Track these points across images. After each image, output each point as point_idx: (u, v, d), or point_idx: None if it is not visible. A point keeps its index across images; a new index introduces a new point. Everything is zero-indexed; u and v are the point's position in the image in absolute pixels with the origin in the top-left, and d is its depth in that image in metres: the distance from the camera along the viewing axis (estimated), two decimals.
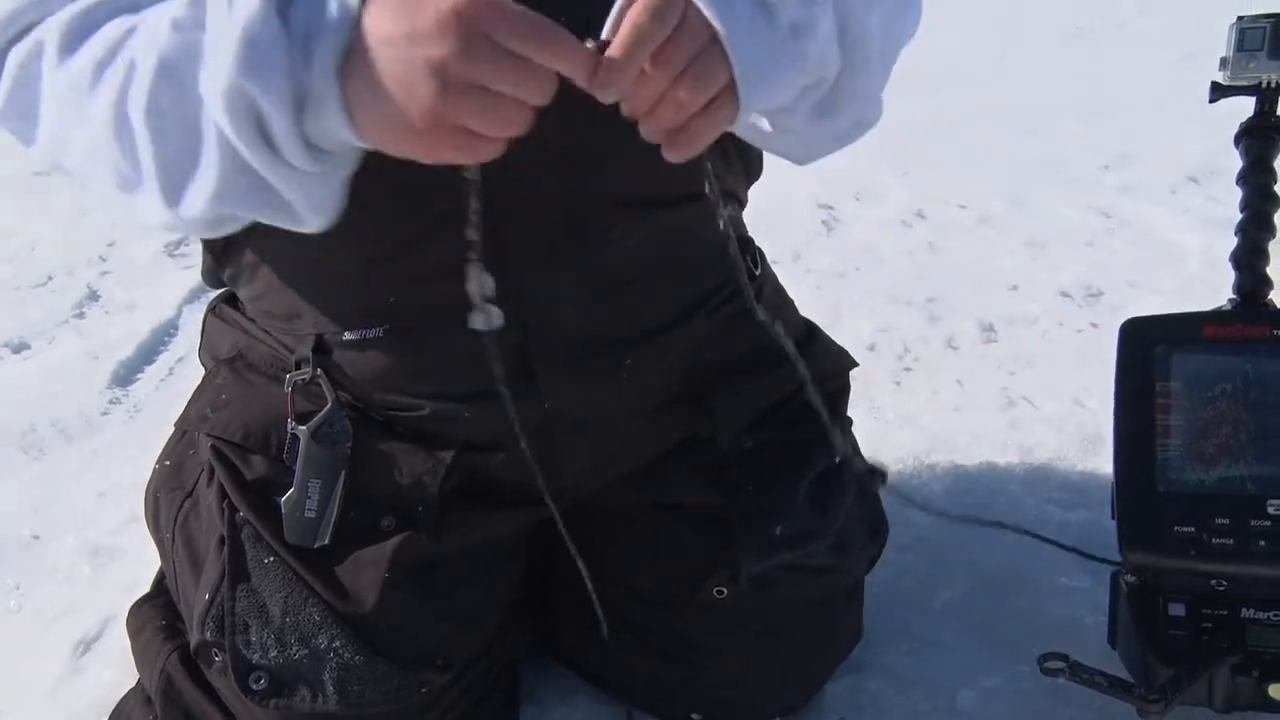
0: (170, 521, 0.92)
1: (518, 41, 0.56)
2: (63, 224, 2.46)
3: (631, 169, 0.84)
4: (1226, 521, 0.89)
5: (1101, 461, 1.31)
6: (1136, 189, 2.39)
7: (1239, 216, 1.03)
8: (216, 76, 0.59)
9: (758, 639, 0.96)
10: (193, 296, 2.05)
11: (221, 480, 0.86)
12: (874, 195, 2.43)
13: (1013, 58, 3.70)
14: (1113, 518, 0.96)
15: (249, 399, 0.89)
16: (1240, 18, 1.00)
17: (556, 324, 0.84)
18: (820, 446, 0.98)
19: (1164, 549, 0.91)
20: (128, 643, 0.98)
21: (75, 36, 0.67)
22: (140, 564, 1.18)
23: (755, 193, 1.01)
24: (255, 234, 0.84)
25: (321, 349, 0.86)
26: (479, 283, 0.68)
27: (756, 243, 1.02)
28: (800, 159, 0.84)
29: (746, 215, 1.03)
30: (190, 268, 2.17)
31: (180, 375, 1.76)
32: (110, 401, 1.68)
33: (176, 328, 1.96)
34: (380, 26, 0.57)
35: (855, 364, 1.06)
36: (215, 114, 0.60)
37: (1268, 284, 1.01)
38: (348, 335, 0.85)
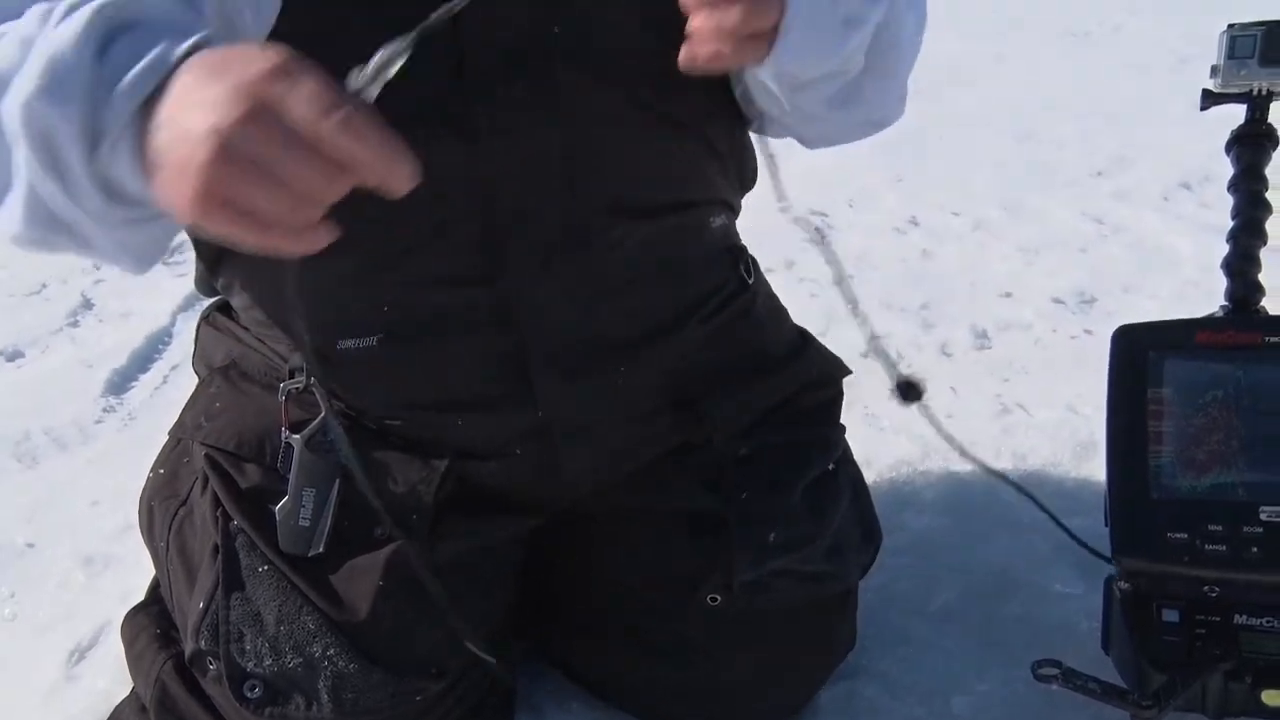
0: (164, 530, 0.92)
1: (309, 129, 0.54)
2: None
3: (628, 175, 0.84)
4: (1219, 528, 0.90)
5: (1095, 468, 1.31)
6: (1130, 195, 2.40)
7: (1231, 223, 1.04)
8: (18, 93, 0.59)
9: (753, 644, 0.96)
10: (186, 305, 2.05)
11: (216, 489, 0.86)
12: (867, 202, 2.44)
13: (1006, 63, 3.71)
14: (1106, 524, 0.96)
15: (243, 408, 0.89)
16: (1231, 26, 1.00)
17: (552, 330, 0.85)
18: (816, 451, 0.98)
19: (1157, 555, 0.91)
20: (122, 651, 0.98)
21: None
22: (134, 572, 1.18)
23: (748, 200, 1.01)
24: None
25: (315, 358, 0.86)
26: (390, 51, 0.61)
27: (749, 250, 1.03)
28: (813, 142, 0.86)
29: (740, 222, 1.03)
30: (184, 275, 2.17)
31: (174, 384, 1.75)
32: (104, 410, 1.68)
33: (170, 336, 1.96)
34: (185, 84, 0.57)
35: (849, 372, 1.06)
36: (13, 133, 0.60)
37: (1259, 291, 1.02)
38: (341, 344, 0.85)
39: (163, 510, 0.93)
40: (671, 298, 0.90)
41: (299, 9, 0.75)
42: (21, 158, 0.61)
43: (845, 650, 1.03)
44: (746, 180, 0.98)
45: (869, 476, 1.13)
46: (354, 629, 0.83)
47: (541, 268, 0.83)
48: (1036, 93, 3.27)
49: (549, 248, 0.82)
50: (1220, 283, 1.03)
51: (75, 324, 2.03)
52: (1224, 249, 1.04)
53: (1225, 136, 1.04)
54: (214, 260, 0.88)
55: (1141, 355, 0.96)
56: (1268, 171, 1.02)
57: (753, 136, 0.96)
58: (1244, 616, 0.90)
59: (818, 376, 1.02)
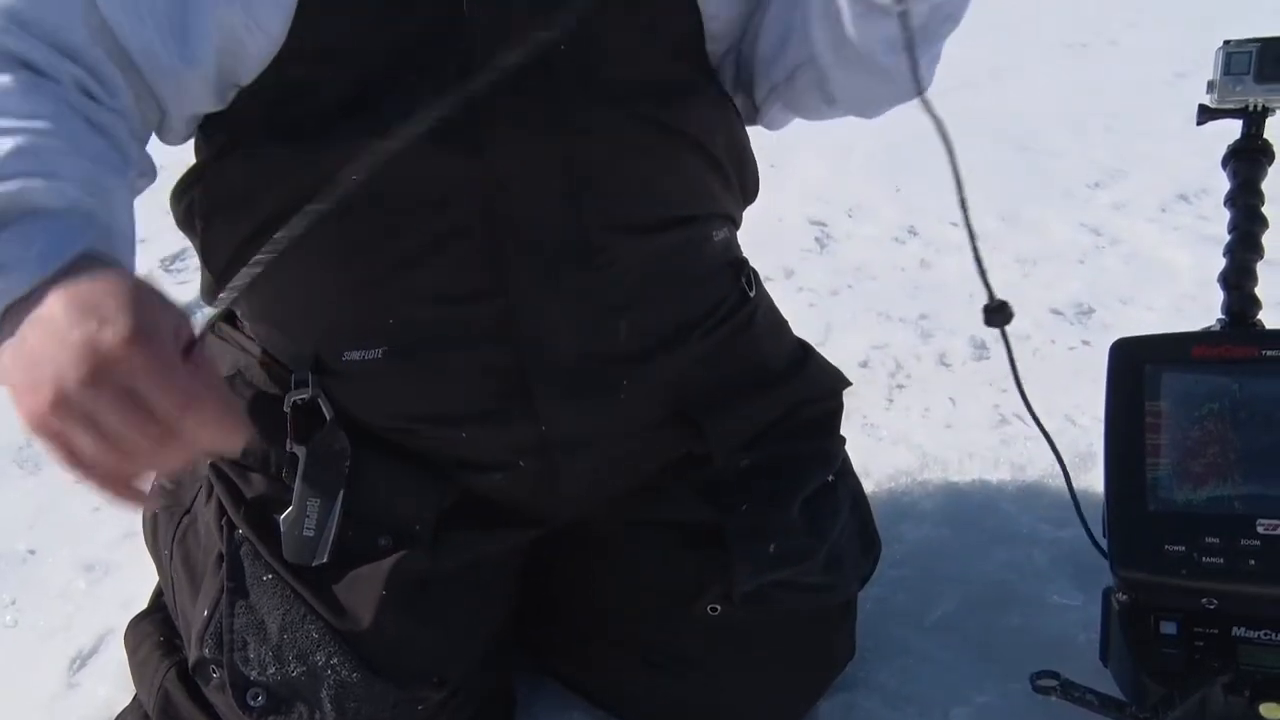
0: (168, 538, 0.93)
1: (151, 405, 0.57)
2: None
3: (630, 190, 0.85)
4: (1216, 540, 0.90)
5: (1093, 479, 1.31)
6: (1127, 206, 2.41)
7: (1228, 237, 1.04)
8: None
9: (752, 656, 0.96)
10: (188, 312, 2.04)
11: (221, 498, 0.87)
12: (866, 212, 2.45)
13: (1004, 75, 3.72)
14: (1104, 535, 0.97)
15: (249, 417, 0.90)
16: (1227, 42, 1.01)
17: (555, 346, 0.85)
18: (815, 464, 0.98)
19: (1155, 567, 0.92)
20: (123, 658, 0.98)
21: None
22: (136, 579, 1.18)
23: (747, 209, 1.02)
24: (257, 252, 0.84)
25: (321, 369, 0.86)
26: None
27: (748, 261, 1.03)
28: (835, 104, 0.90)
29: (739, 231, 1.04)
30: (185, 283, 2.17)
31: None
32: None
33: None
34: (46, 313, 0.59)
35: (849, 383, 1.07)
36: None
37: (1256, 304, 1.02)
38: (347, 356, 0.85)
39: (166, 519, 0.94)
40: (674, 312, 0.91)
41: (303, 34, 0.76)
42: None
43: (844, 661, 1.04)
44: (749, 193, 0.99)
45: (867, 486, 1.13)
46: (357, 638, 0.83)
47: (544, 282, 0.83)
48: (1034, 104, 3.28)
49: (552, 262, 0.83)
50: (1219, 295, 1.04)
51: None
52: (1221, 261, 1.05)
53: (1222, 150, 1.05)
54: (222, 270, 0.89)
55: (1138, 368, 0.97)
56: (1264, 186, 1.03)
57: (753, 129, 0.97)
58: (1242, 629, 0.91)
59: (818, 389, 1.02)
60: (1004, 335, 0.82)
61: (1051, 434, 0.98)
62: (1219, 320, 1.04)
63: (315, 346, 0.86)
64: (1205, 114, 1.04)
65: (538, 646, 1.05)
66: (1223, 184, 1.06)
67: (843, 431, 1.07)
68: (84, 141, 0.68)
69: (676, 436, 0.94)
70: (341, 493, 0.84)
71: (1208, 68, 1.02)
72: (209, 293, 0.95)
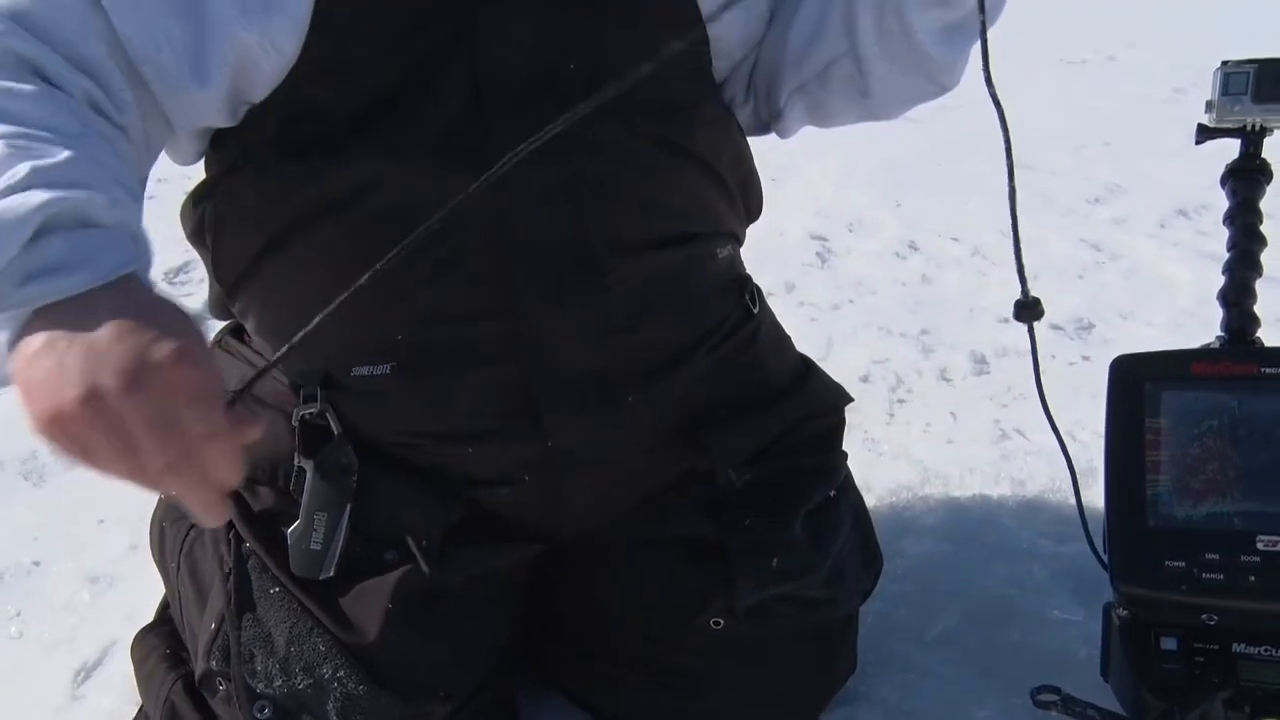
0: (175, 551, 0.93)
1: (186, 427, 0.57)
2: None
3: (636, 209, 0.86)
4: (1216, 556, 0.91)
5: (1093, 494, 1.32)
6: (1127, 222, 2.42)
7: (1227, 255, 1.05)
8: None
9: (753, 670, 0.96)
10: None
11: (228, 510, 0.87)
12: (867, 227, 2.46)
13: (1003, 91, 3.73)
14: (1105, 550, 0.97)
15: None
16: (1225, 63, 1.02)
17: (561, 364, 0.86)
18: (818, 479, 0.99)
19: (1155, 583, 0.92)
20: (128, 670, 0.98)
21: None
22: (140, 592, 1.19)
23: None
24: (268, 267, 0.85)
25: (329, 384, 0.87)
26: None
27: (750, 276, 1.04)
28: (872, 104, 0.91)
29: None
30: (189, 296, 2.17)
31: None
32: None
33: None
34: (99, 316, 0.59)
35: (851, 399, 1.07)
36: None
37: (1255, 322, 1.03)
38: (355, 371, 0.86)
39: (174, 531, 0.94)
40: (679, 329, 0.92)
41: (316, 53, 0.76)
42: None
43: (845, 676, 1.04)
44: (753, 210, 1.00)
45: (868, 501, 1.14)
46: (363, 652, 0.84)
47: (551, 300, 0.84)
48: (1033, 120, 3.29)
49: (558, 280, 0.84)
50: (1216, 310, 1.05)
51: None
52: (1220, 276, 1.05)
53: (1221, 166, 1.05)
54: (232, 284, 0.89)
55: (1138, 386, 0.98)
56: (1262, 204, 1.04)
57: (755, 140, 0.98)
58: (1242, 645, 0.91)
59: (820, 405, 1.03)
60: (1031, 331, 0.83)
61: (1052, 449, 0.99)
62: (1218, 337, 1.04)
63: (324, 362, 0.87)
64: (1204, 133, 1.05)
65: (541, 660, 1.05)
66: (1222, 200, 1.06)
67: (844, 446, 1.07)
68: (109, 161, 0.68)
69: (680, 452, 0.94)
70: (349, 507, 0.85)
71: (1206, 85, 1.03)
72: (217, 305, 0.96)
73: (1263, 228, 1.04)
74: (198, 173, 0.90)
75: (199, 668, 0.87)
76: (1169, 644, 0.93)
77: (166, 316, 0.60)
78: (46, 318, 0.60)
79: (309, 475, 0.85)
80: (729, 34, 0.89)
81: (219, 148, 0.85)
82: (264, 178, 0.81)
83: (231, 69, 0.75)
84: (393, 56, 0.78)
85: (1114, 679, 0.98)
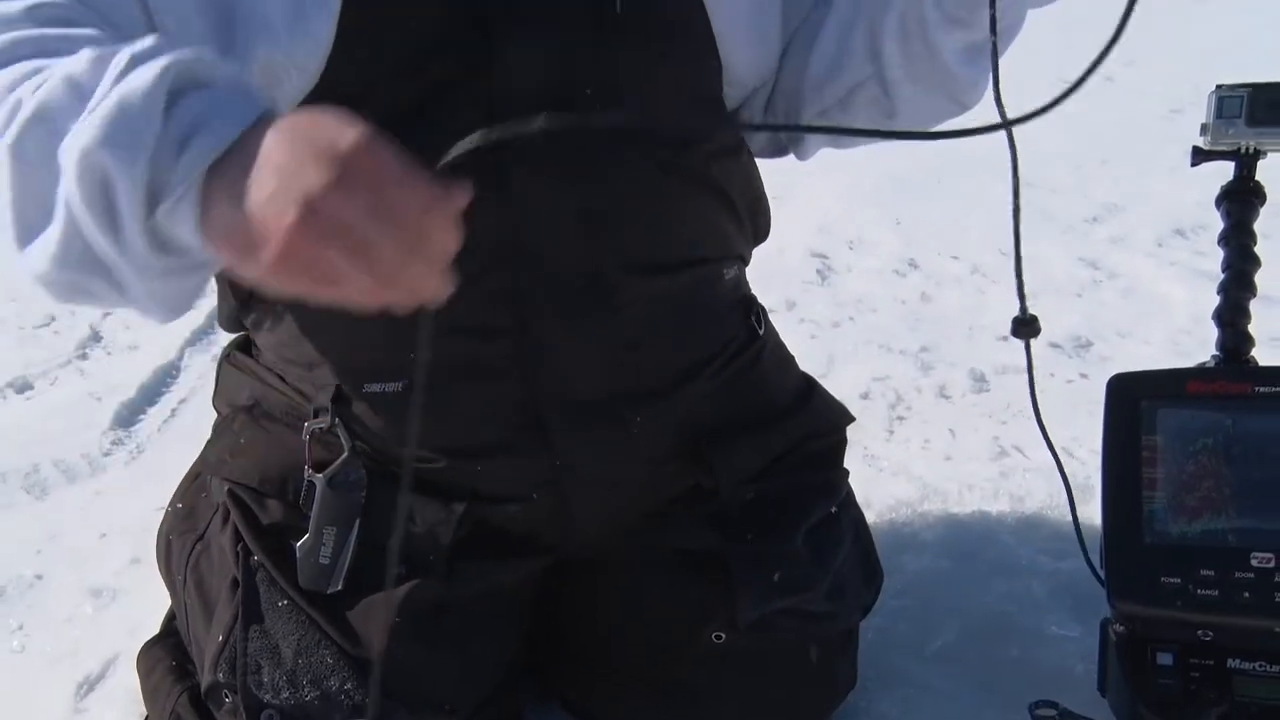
0: (182, 564, 0.94)
1: (399, 206, 0.55)
2: None
3: (647, 231, 0.87)
4: (1211, 573, 0.92)
5: (1091, 511, 1.33)
6: (1125, 241, 2.43)
7: (1222, 275, 1.07)
8: (79, 137, 0.59)
9: (754, 683, 0.97)
10: (195, 339, 2.06)
11: (237, 523, 0.88)
12: (867, 245, 2.47)
13: (1007, 110, 3.74)
14: (1102, 567, 0.98)
15: (267, 446, 0.91)
16: (1219, 86, 1.04)
17: (570, 382, 0.87)
18: (819, 495, 1.00)
19: (1151, 599, 0.93)
20: (131, 683, 0.99)
21: None
22: (143, 605, 1.19)
23: None
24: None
25: (340, 399, 0.88)
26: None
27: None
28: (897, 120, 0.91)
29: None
30: (193, 309, 2.19)
31: (182, 417, 1.77)
32: (112, 442, 1.69)
33: (178, 369, 1.97)
34: (268, 146, 0.56)
35: (853, 419, 1.08)
36: (67, 176, 0.60)
37: (1249, 341, 1.04)
38: (367, 388, 0.87)
39: (180, 544, 0.95)
40: (686, 349, 0.93)
41: (337, 73, 0.78)
42: (71, 200, 0.60)
43: (846, 690, 1.04)
44: (760, 233, 1.01)
45: (868, 517, 1.15)
46: (370, 664, 0.84)
47: (562, 320, 0.85)
48: (1031, 139, 3.30)
49: (569, 300, 0.85)
50: (1212, 328, 1.06)
51: (84, 356, 2.04)
52: (1216, 295, 1.07)
53: (1217, 186, 1.07)
54: (247, 296, 0.90)
55: (1135, 404, 0.99)
56: (1256, 225, 1.06)
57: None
58: (1238, 660, 0.92)
59: (822, 424, 1.04)
60: (1027, 349, 0.84)
61: (1050, 466, 1.00)
62: (1213, 357, 1.05)
63: (336, 377, 0.88)
64: (1199, 155, 1.06)
65: (546, 673, 1.06)
66: (1218, 219, 1.08)
67: (844, 463, 1.08)
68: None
69: (685, 469, 0.95)
70: (358, 521, 0.86)
71: (1202, 105, 1.05)
72: (228, 318, 0.97)
73: (1257, 248, 1.05)
74: None
75: (205, 680, 0.87)
76: (1165, 659, 0.94)
77: (336, 114, 0.57)
78: (221, 176, 0.57)
79: (319, 489, 0.86)
80: (743, 60, 0.91)
81: None
82: None
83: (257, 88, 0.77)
84: (412, 78, 0.79)
85: (1111, 694, 0.99)
